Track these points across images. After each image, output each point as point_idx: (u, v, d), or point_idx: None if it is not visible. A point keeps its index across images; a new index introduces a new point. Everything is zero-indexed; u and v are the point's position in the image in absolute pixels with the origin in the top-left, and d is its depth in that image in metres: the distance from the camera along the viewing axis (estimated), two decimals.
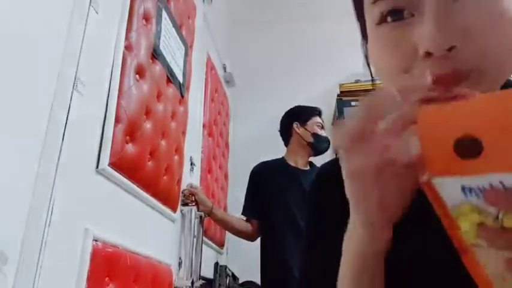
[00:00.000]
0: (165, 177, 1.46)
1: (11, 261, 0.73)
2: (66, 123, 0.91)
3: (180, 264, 1.63)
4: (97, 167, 1.05)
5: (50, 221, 0.83)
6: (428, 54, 0.35)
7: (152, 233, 1.41)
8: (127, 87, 1.19)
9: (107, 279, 1.02)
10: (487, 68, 0.36)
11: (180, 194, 1.71)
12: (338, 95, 2.69)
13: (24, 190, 0.78)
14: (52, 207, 0.84)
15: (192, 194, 1.80)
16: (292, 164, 2.09)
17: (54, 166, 0.86)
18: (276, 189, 1.99)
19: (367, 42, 0.46)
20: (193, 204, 1.79)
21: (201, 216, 1.81)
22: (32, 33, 0.83)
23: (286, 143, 2.17)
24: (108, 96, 1.12)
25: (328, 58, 3.07)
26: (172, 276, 1.51)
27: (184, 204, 1.75)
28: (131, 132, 1.20)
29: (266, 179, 2.04)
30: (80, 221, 0.96)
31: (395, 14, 0.39)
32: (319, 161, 2.15)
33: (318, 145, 2.08)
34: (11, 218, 0.74)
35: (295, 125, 2.12)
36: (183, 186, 1.74)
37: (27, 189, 0.79)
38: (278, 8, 3.26)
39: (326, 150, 2.12)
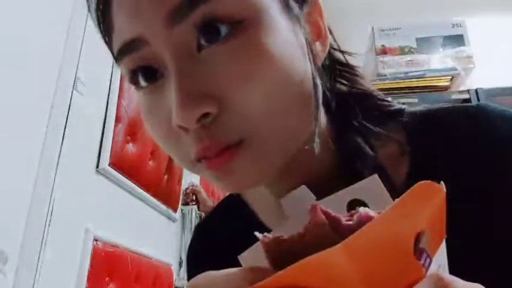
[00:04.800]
0: (165, 177, 1.46)
1: (11, 261, 0.73)
2: (66, 123, 0.91)
3: (180, 263, 1.63)
4: (97, 167, 1.05)
5: (50, 221, 0.83)
6: (181, 127, 0.27)
7: (153, 232, 1.41)
8: (127, 86, 1.19)
9: (107, 279, 1.02)
10: (258, 135, 0.27)
11: (181, 194, 1.71)
12: None
13: (24, 190, 0.78)
14: (52, 207, 0.84)
15: (194, 193, 1.80)
16: None
17: (54, 166, 0.86)
18: None
19: None
20: (194, 203, 1.79)
21: (201, 216, 1.81)
22: (32, 33, 0.83)
23: None
24: (108, 96, 1.12)
25: None
26: (173, 276, 1.51)
27: (185, 203, 1.75)
28: (132, 132, 1.20)
29: None
30: (80, 221, 0.96)
31: (148, 75, 0.30)
32: None
33: None
34: (11, 218, 0.75)
35: None
36: (184, 185, 1.74)
37: (27, 189, 0.79)
38: None
39: None
